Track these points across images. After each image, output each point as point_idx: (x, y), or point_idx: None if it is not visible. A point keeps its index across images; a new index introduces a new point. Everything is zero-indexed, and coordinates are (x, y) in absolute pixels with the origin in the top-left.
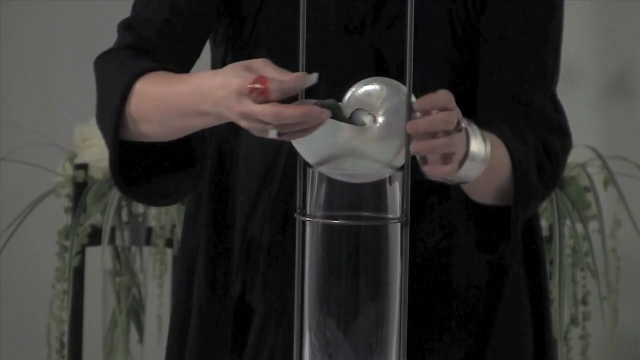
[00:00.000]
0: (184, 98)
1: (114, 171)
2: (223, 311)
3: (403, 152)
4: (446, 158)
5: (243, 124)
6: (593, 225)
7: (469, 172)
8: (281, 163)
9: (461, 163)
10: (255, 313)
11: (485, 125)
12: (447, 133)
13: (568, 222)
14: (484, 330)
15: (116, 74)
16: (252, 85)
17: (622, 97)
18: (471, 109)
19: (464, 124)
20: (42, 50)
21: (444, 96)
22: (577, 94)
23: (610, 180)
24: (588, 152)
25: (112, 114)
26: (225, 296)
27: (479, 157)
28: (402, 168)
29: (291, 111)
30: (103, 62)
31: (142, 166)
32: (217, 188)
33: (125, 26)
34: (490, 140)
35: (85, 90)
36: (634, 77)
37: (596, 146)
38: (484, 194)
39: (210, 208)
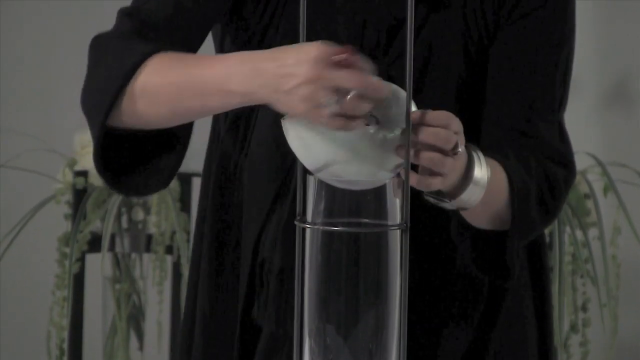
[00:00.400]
0: (214, 75)
1: (97, 151)
2: (227, 330)
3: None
4: (433, 173)
5: (301, 92)
6: (593, 232)
7: (471, 198)
8: (292, 185)
9: (464, 188)
10: (262, 333)
11: (488, 149)
12: (442, 152)
13: (568, 229)
14: (486, 336)
15: (123, 51)
16: (340, 55)
17: (622, 104)
18: (479, 131)
19: (469, 150)
20: (42, 57)
21: (444, 116)
22: (577, 101)
23: (610, 187)
24: (588, 159)
25: (110, 91)
26: (230, 314)
27: (482, 183)
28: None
29: (375, 81)
30: (105, 40)
31: (125, 153)
32: (221, 208)
33: (127, 14)
34: (490, 166)
35: None
36: (634, 83)
37: (596, 153)
38: (479, 218)
39: (215, 228)
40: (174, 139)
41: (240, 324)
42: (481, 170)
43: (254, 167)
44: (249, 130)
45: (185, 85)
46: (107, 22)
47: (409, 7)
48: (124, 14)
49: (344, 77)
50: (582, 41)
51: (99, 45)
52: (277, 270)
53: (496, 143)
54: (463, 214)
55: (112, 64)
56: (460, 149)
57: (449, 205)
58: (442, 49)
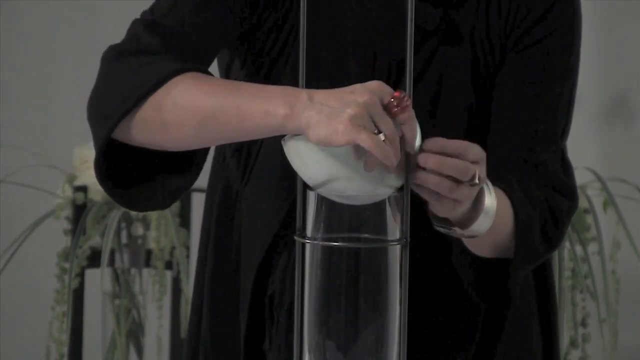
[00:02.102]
0: (260, 94)
1: (99, 159)
2: (232, 354)
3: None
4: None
5: (351, 109)
6: (592, 247)
7: (480, 227)
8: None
9: (475, 217)
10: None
11: (491, 178)
12: (457, 181)
13: (567, 244)
14: (489, 352)
15: (149, 65)
16: (398, 97)
17: (622, 120)
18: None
19: (484, 182)
20: (42, 72)
21: (461, 145)
22: (576, 116)
23: (609, 202)
24: (588, 175)
25: (130, 100)
26: (234, 338)
27: (491, 212)
28: (401, 189)
29: (395, 152)
30: (124, 51)
31: (129, 166)
32: (224, 232)
33: (146, 27)
34: (496, 194)
35: (84, 112)
36: (634, 99)
37: (596, 168)
38: (482, 246)
39: (218, 251)
40: (184, 162)
41: (244, 351)
42: (490, 199)
43: (255, 200)
44: (250, 161)
45: (223, 103)
46: (109, 44)
47: (409, 6)
48: (142, 26)
49: (384, 121)
50: (582, 56)
51: (118, 56)
52: (287, 304)
53: (500, 171)
54: (466, 241)
55: (135, 75)
56: (477, 180)
57: (457, 234)
58: (452, 80)
